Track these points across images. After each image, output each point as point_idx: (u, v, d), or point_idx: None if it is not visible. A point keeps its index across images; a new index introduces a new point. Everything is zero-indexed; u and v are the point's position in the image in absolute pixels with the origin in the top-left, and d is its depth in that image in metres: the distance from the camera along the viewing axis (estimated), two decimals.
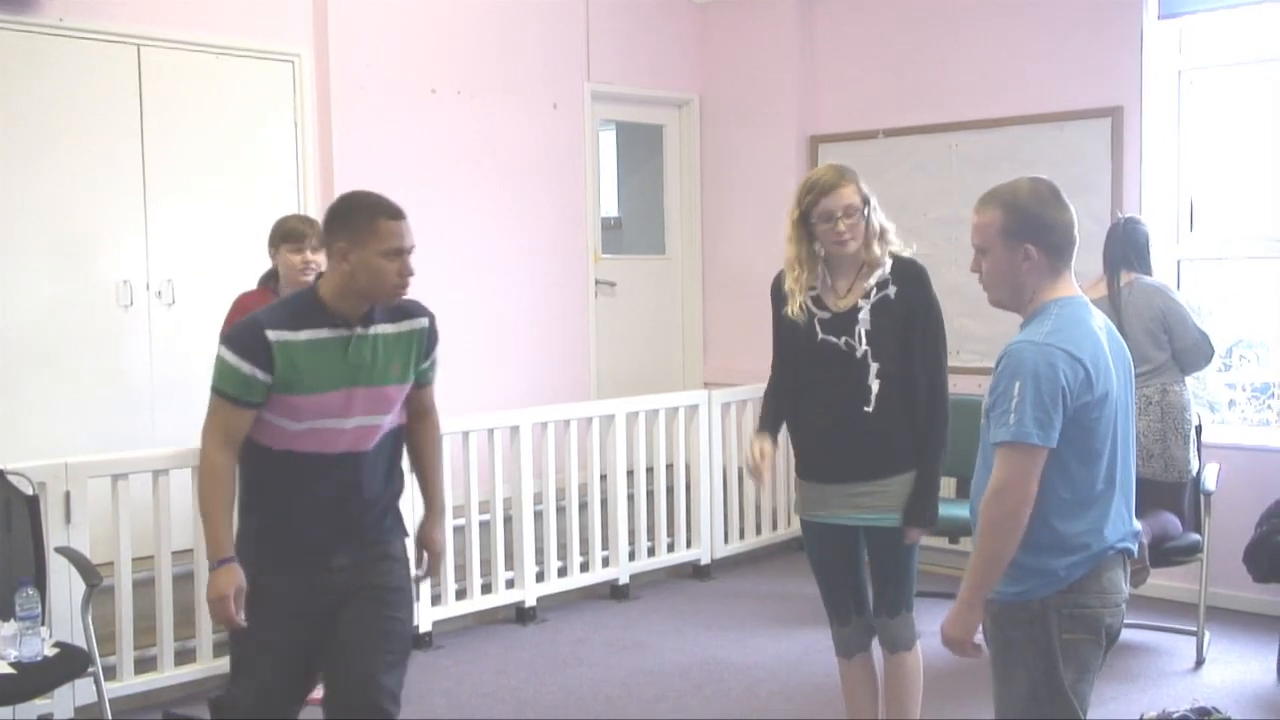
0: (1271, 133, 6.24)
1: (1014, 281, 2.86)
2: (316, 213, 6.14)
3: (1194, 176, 6.38)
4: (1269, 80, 6.21)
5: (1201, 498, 5.35)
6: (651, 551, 6.66)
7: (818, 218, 3.62)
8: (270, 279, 4.76)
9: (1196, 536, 5.32)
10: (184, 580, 4.97)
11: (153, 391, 5.76)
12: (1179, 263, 6.29)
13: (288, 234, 4.65)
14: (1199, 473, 5.39)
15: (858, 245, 3.65)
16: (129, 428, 5.64)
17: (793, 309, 3.71)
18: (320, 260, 4.42)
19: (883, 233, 3.68)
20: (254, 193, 6.09)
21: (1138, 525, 2.96)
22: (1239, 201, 6.35)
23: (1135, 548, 2.92)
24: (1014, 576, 2.80)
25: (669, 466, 6.75)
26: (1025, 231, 2.81)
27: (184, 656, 5.01)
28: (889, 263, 3.69)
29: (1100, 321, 2.90)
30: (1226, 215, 6.36)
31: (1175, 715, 4.47)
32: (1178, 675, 5.23)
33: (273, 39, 6.17)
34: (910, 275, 3.70)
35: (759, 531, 7.18)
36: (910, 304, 3.68)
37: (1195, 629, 5.42)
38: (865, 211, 3.64)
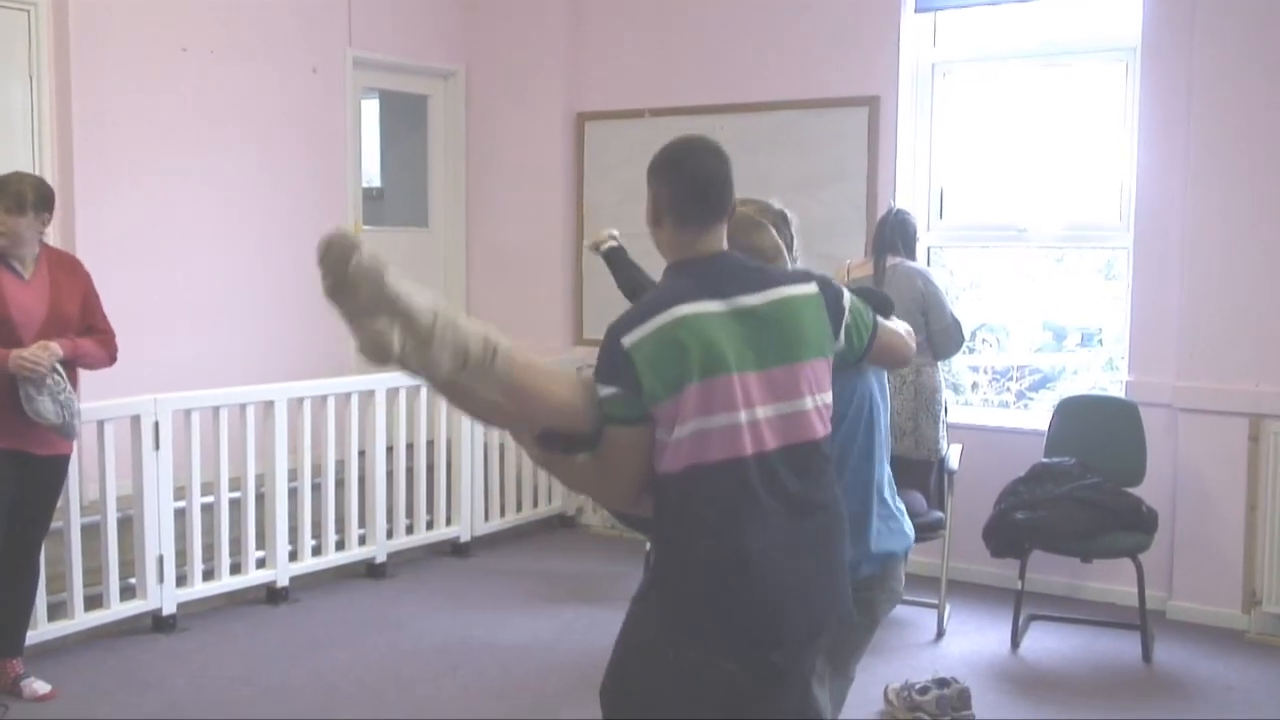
0: (1016, 126, 6.53)
1: None
2: (53, 173, 5.79)
3: (944, 166, 6.63)
4: (1016, 75, 6.50)
5: (945, 476, 5.59)
6: (410, 529, 6.54)
7: None
8: None
9: (940, 514, 5.53)
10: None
11: None
12: (929, 249, 6.53)
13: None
14: (944, 452, 5.62)
15: None
16: None
17: None
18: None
19: None
20: None
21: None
22: (985, 191, 6.63)
23: None
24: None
25: (430, 443, 6.64)
26: None
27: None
28: None
29: None
30: (973, 204, 6.64)
31: (917, 686, 4.65)
32: (919, 647, 5.44)
33: None
34: None
35: (519, 508, 7.15)
36: None
37: (936, 602, 5.65)
38: None
